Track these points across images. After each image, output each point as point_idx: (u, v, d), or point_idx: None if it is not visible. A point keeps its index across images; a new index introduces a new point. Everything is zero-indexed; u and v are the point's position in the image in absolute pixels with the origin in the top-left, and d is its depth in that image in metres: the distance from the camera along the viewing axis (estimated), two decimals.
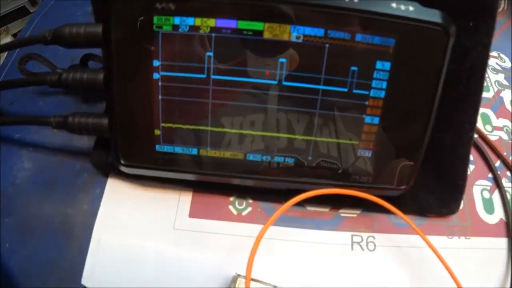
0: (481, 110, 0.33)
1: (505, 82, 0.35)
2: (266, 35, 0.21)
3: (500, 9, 0.40)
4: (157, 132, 0.24)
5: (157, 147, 0.24)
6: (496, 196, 0.29)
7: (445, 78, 0.23)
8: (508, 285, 0.26)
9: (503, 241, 0.27)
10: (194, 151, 0.24)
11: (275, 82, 0.23)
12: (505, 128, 0.33)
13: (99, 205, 0.26)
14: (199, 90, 0.23)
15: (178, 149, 0.24)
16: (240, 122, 0.24)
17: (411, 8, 0.21)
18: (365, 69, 0.22)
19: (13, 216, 0.25)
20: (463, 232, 0.27)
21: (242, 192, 0.27)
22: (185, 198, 0.26)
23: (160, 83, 0.23)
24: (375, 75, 0.22)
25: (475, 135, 0.31)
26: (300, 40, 0.21)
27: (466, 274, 0.25)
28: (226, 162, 0.24)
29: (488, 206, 0.28)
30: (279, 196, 0.26)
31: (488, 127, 0.32)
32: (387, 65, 0.22)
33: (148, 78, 0.22)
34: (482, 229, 0.27)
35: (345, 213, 0.27)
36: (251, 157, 0.24)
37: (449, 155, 0.27)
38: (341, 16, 0.21)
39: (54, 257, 0.24)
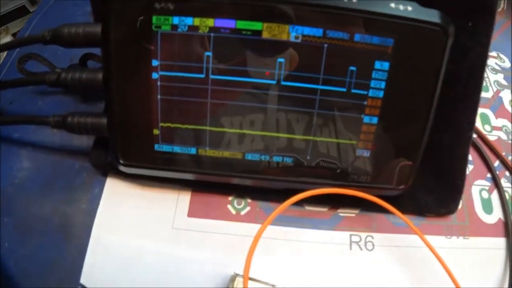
0: (480, 110, 0.33)
1: (504, 82, 0.36)
2: (265, 35, 0.21)
3: (499, 9, 0.40)
4: (156, 131, 0.24)
5: (156, 147, 0.24)
6: (494, 196, 0.29)
7: (444, 78, 0.23)
8: (507, 285, 0.26)
9: (501, 241, 0.27)
10: (193, 151, 0.24)
11: (273, 82, 0.23)
12: (504, 128, 0.33)
13: (98, 205, 0.26)
14: (198, 90, 0.23)
15: (177, 149, 0.24)
16: (238, 122, 0.24)
17: (409, 8, 0.21)
18: (363, 69, 0.22)
19: (12, 216, 0.26)
20: (462, 232, 0.27)
21: (241, 192, 0.27)
22: (184, 198, 0.26)
23: (159, 83, 0.23)
24: (373, 75, 0.22)
25: (474, 135, 0.31)
26: (299, 40, 0.21)
27: (464, 274, 0.25)
28: (224, 162, 0.24)
29: (487, 206, 0.28)
30: (278, 195, 0.25)
31: (487, 127, 0.32)
32: (385, 65, 0.22)
33: (147, 77, 0.22)
34: (480, 229, 0.27)
35: (343, 212, 0.27)
36: (249, 156, 0.24)
37: (447, 155, 0.27)
38: (340, 16, 0.21)
39: (53, 257, 0.24)
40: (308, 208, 0.27)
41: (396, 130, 0.24)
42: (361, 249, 0.26)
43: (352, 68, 0.22)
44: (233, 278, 0.22)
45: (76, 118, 0.24)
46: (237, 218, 0.26)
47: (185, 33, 0.22)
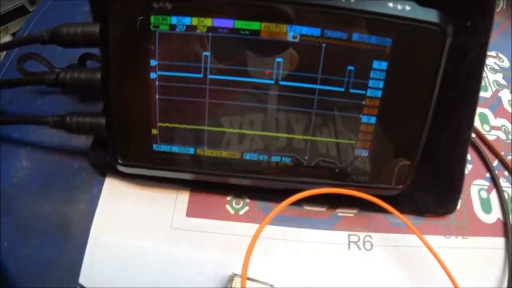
0: (479, 109, 0.33)
1: (503, 82, 0.36)
2: (263, 35, 0.21)
3: (498, 9, 0.40)
4: (154, 131, 0.24)
5: (154, 147, 0.24)
6: (493, 195, 0.29)
7: (443, 78, 0.23)
8: (505, 285, 0.26)
9: (500, 241, 0.27)
10: (191, 151, 0.24)
11: (271, 82, 0.23)
12: (503, 128, 0.33)
13: (96, 205, 0.26)
14: (196, 89, 0.23)
15: (175, 149, 0.24)
16: (237, 121, 0.24)
17: (408, 8, 0.21)
18: (362, 68, 0.22)
19: (12, 216, 0.26)
20: (461, 232, 0.27)
21: (239, 192, 0.27)
22: (183, 198, 0.26)
23: (157, 83, 0.23)
24: (372, 74, 0.22)
25: (473, 135, 0.31)
26: (297, 40, 0.21)
27: (463, 273, 0.25)
28: (223, 162, 0.24)
29: (486, 206, 0.28)
30: (277, 195, 0.25)
31: (486, 127, 0.32)
32: (384, 65, 0.22)
33: (145, 77, 0.23)
34: (479, 229, 0.27)
35: (342, 212, 0.27)
36: (248, 156, 0.24)
37: (446, 155, 0.27)
38: (338, 15, 0.21)
39: (52, 257, 0.24)
40: (307, 208, 0.27)
41: (395, 129, 0.24)
42: (359, 249, 0.26)
43: (350, 67, 0.22)
44: (231, 278, 0.22)
45: (75, 118, 0.24)
46: (236, 218, 0.26)
47: (183, 33, 0.22)
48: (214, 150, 0.24)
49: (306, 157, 0.24)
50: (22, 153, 0.28)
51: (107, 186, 0.27)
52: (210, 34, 0.21)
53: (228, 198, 0.27)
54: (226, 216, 0.26)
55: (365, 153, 0.24)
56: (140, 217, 0.26)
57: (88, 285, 0.23)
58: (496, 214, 0.28)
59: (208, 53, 0.22)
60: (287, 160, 0.25)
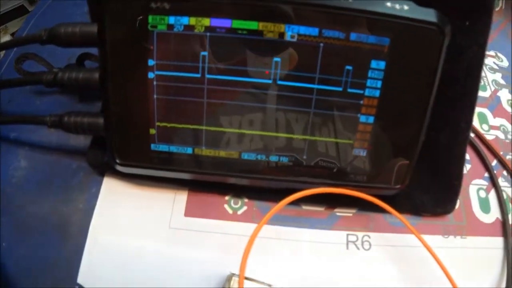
0: (478, 109, 0.33)
1: (502, 82, 0.35)
2: (261, 35, 0.21)
3: (497, 8, 0.40)
4: (152, 131, 0.24)
5: (152, 146, 0.24)
6: (492, 195, 0.29)
7: (441, 78, 0.23)
8: (504, 284, 0.26)
9: (499, 241, 0.27)
10: (189, 150, 0.24)
11: (269, 82, 0.23)
12: (502, 128, 0.33)
13: (95, 204, 0.26)
14: (194, 89, 0.23)
15: (173, 148, 0.24)
16: (235, 121, 0.24)
17: (406, 7, 0.21)
18: (359, 68, 0.22)
19: (10, 215, 0.26)
20: (459, 232, 0.27)
21: (238, 191, 0.27)
22: (181, 197, 0.26)
23: (155, 83, 0.23)
24: (369, 74, 0.22)
25: (472, 134, 0.31)
26: (295, 40, 0.21)
27: (461, 273, 0.25)
28: (221, 161, 0.24)
29: (484, 206, 0.28)
30: (275, 195, 0.25)
31: (485, 126, 0.32)
32: (382, 65, 0.22)
33: (143, 77, 0.23)
34: (478, 229, 0.27)
35: (340, 212, 0.27)
36: (246, 156, 0.24)
37: (444, 155, 0.27)
38: (336, 15, 0.21)
39: (50, 256, 0.24)
40: (305, 207, 0.27)
41: (393, 129, 0.24)
42: (358, 248, 0.26)
43: (348, 67, 0.22)
44: (229, 278, 0.22)
45: (73, 118, 0.24)
46: (234, 217, 0.26)
47: (181, 33, 0.22)
48: (212, 150, 0.24)
49: (305, 157, 0.24)
50: (20, 153, 0.28)
51: (105, 186, 0.27)
52: (208, 34, 0.21)
53: (227, 197, 0.27)
54: (224, 216, 0.26)
55: (363, 153, 0.24)
56: (138, 217, 0.26)
57: (87, 284, 0.23)
58: (494, 214, 0.28)
59: (206, 53, 0.22)
60: (285, 159, 0.24)
